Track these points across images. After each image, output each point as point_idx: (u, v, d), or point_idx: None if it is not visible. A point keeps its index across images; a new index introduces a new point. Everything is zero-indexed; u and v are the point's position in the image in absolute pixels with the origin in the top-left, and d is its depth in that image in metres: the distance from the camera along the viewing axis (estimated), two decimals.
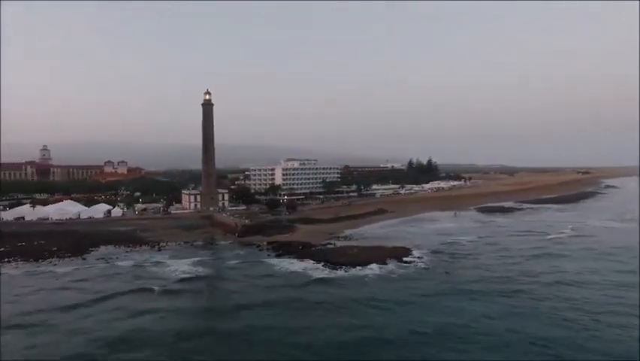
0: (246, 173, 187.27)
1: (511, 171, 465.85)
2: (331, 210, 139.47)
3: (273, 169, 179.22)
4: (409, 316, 45.77)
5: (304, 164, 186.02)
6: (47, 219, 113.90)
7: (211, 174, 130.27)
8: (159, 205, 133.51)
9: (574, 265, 66.90)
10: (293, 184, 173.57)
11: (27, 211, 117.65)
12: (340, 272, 63.98)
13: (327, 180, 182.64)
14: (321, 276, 62.40)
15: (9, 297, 54.78)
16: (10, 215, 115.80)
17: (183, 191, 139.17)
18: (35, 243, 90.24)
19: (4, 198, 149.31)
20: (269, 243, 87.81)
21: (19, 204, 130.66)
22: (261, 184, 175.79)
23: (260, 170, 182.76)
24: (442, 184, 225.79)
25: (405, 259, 70.21)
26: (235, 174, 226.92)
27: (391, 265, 66.74)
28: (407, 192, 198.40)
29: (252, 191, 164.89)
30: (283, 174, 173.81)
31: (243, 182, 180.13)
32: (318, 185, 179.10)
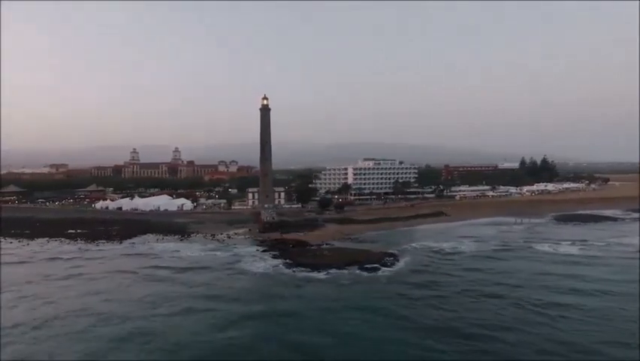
0: (324, 172, 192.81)
1: None
2: (384, 212, 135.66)
3: (346, 169, 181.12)
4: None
5: (379, 164, 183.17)
6: (137, 209, 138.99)
7: (267, 174, 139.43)
8: (221, 201, 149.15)
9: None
10: (364, 184, 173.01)
11: (125, 203, 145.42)
12: (288, 271, 65.34)
13: (401, 180, 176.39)
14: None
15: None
16: (114, 205, 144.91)
17: (247, 189, 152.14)
18: (109, 228, 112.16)
19: (124, 191, 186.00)
20: (275, 239, 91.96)
21: (127, 196, 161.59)
22: (334, 184, 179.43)
23: (333, 170, 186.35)
24: (550, 186, 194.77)
25: (368, 265, 66.61)
26: (319, 172, 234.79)
27: (346, 271, 64.48)
28: (497, 194, 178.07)
29: (325, 190, 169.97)
30: (354, 174, 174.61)
31: (313, 182, 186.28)
32: (392, 185, 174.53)
